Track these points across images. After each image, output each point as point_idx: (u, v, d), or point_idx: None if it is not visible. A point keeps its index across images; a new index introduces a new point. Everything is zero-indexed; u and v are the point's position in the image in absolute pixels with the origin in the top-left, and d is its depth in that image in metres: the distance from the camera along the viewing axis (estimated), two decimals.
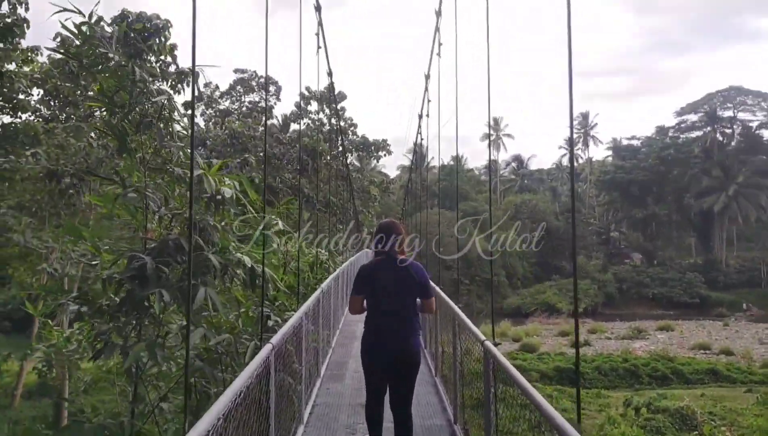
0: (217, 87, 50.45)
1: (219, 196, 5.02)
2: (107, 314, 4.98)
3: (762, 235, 70.25)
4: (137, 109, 5.31)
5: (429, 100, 13.93)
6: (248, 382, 3.18)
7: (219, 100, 51.17)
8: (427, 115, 12.98)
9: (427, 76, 13.84)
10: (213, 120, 28.83)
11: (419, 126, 17.73)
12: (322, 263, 11.62)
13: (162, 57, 16.98)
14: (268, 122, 32.17)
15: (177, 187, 5.24)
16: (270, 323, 5.31)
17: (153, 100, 5.49)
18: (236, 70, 51.62)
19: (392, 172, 77.60)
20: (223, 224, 5.36)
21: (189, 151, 5.25)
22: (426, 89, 14.23)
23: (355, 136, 31.29)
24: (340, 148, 23.17)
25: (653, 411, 19.52)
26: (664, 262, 69.99)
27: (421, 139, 16.41)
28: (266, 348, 3.88)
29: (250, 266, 5.17)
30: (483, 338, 4.45)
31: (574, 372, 25.45)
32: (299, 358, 5.15)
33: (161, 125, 5.61)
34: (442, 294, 7.18)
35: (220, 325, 5.39)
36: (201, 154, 22.00)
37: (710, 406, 21.86)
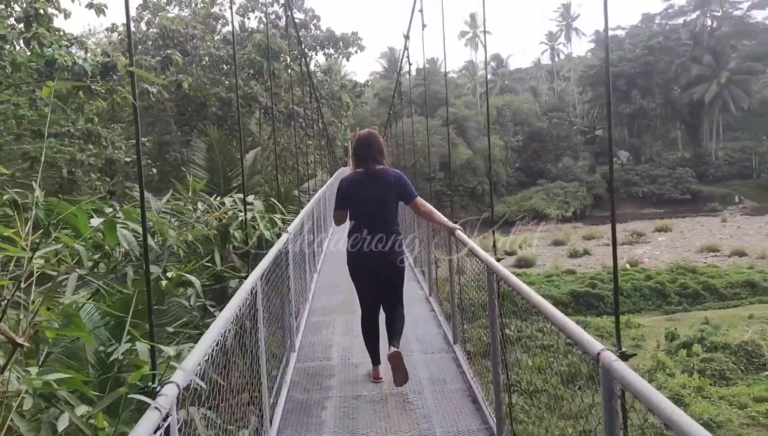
0: None
1: None
2: None
3: (752, 123, 67.01)
4: None
5: None
6: None
7: (166, 7, 44.88)
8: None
9: None
10: (146, 20, 23.63)
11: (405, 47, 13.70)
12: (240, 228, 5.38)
13: None
14: (223, 30, 26.82)
15: None
16: None
17: None
18: None
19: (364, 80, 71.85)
20: None
21: None
22: None
23: (318, 31, 26.24)
24: (298, 44, 18.59)
25: (709, 348, 15.88)
26: (651, 158, 67.04)
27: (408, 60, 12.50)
28: None
29: None
30: (484, 254, 3.98)
31: (593, 297, 22.10)
32: None
33: None
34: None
35: None
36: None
37: None
